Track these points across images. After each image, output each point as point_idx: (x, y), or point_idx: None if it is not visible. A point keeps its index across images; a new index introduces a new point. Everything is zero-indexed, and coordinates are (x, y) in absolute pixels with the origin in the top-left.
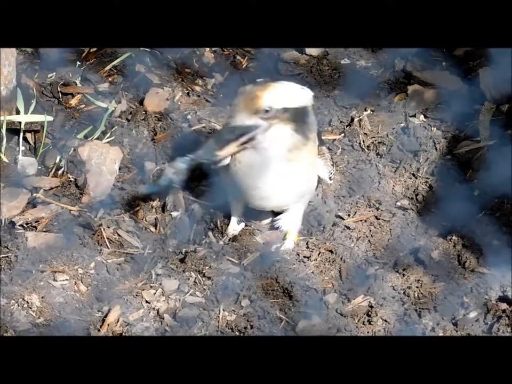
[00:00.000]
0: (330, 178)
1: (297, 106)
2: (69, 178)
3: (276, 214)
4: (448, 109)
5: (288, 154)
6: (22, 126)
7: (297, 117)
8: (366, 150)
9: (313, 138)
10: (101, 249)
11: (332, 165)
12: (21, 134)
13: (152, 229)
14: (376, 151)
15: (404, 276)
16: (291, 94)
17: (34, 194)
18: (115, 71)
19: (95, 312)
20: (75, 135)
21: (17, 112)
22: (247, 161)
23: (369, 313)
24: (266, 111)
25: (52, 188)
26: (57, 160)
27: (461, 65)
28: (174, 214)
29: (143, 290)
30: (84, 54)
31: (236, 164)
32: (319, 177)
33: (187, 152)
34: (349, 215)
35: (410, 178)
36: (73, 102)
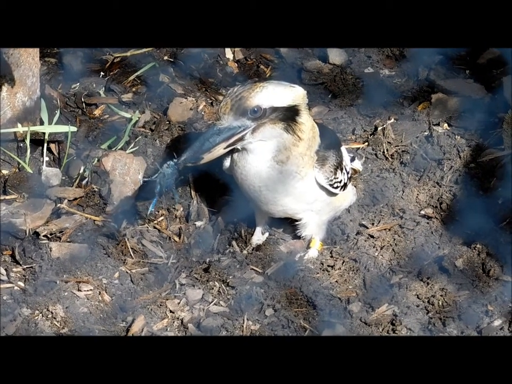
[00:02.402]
0: (331, 185)
1: (286, 105)
2: (93, 188)
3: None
4: (472, 117)
5: (277, 155)
6: (46, 137)
7: (287, 116)
8: (389, 158)
9: (306, 139)
10: (125, 259)
11: (333, 171)
12: (45, 145)
13: (176, 238)
14: (400, 159)
15: (428, 285)
16: (280, 92)
17: (58, 205)
18: (139, 81)
19: (119, 322)
20: (99, 145)
21: (41, 123)
22: (241, 163)
23: (394, 322)
24: (254, 111)
25: (76, 198)
26: (81, 171)
27: (484, 74)
28: (198, 223)
29: (167, 300)
30: (107, 65)
31: (235, 167)
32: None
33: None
34: (372, 224)
35: (434, 187)
36: (97, 112)
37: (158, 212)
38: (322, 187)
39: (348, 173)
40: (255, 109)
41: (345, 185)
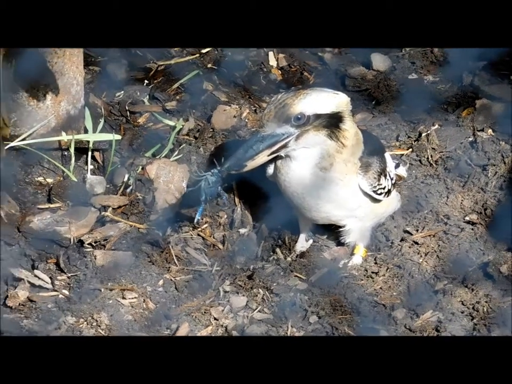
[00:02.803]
0: (375, 192)
1: (330, 112)
2: (137, 196)
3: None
4: None
5: (321, 162)
6: (90, 145)
7: (331, 123)
8: (434, 164)
9: (349, 145)
10: (169, 267)
11: (377, 177)
12: (89, 153)
13: (220, 246)
14: (444, 165)
15: (472, 291)
16: (323, 99)
17: (103, 213)
18: (182, 89)
19: (163, 330)
20: (143, 153)
21: (86, 131)
22: (284, 170)
23: (438, 328)
24: (298, 118)
25: (120, 206)
26: (125, 179)
27: None
28: (242, 231)
29: (211, 307)
30: (151, 73)
31: (279, 174)
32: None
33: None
34: (417, 230)
35: (479, 193)
36: (141, 120)
37: (202, 219)
38: (365, 193)
39: (391, 179)
40: (299, 116)
41: (389, 192)
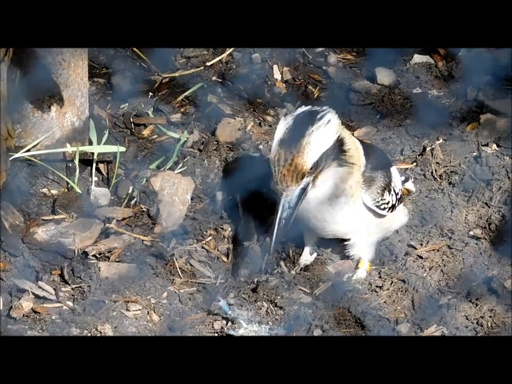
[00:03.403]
0: (378, 207)
1: (332, 143)
2: (142, 208)
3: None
4: None
5: (335, 191)
6: (95, 157)
7: (336, 152)
8: (438, 179)
9: (358, 163)
10: (173, 279)
11: (380, 192)
12: (94, 165)
13: (224, 258)
14: (448, 180)
15: (476, 306)
16: (323, 136)
17: (107, 225)
18: (187, 101)
19: None
20: (147, 165)
21: (90, 143)
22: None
23: None
24: (311, 168)
25: (124, 218)
26: (130, 191)
27: None
28: (246, 243)
29: (215, 320)
30: (156, 85)
31: None
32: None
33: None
34: (421, 245)
35: (483, 208)
36: (145, 132)
37: (207, 231)
38: (369, 209)
39: (397, 194)
40: (311, 167)
41: (393, 207)
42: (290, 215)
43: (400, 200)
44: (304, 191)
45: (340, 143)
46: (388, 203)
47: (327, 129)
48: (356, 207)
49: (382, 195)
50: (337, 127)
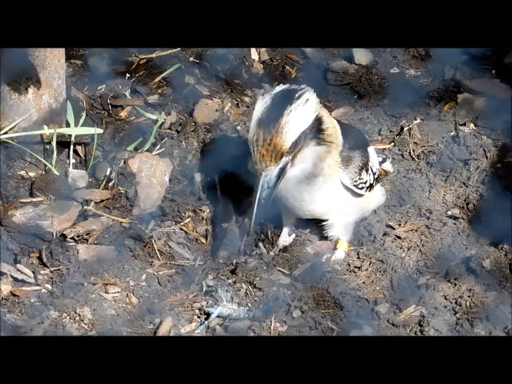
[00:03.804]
0: (356, 186)
1: (311, 122)
2: (120, 190)
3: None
4: (498, 117)
5: (314, 170)
6: (72, 139)
7: (314, 131)
8: (416, 159)
9: (336, 142)
10: (152, 261)
11: (358, 171)
12: (71, 147)
13: (203, 240)
14: (426, 160)
15: (455, 285)
16: (302, 115)
17: (85, 207)
18: (164, 82)
19: (146, 324)
20: (125, 147)
21: (67, 125)
22: None
23: (421, 323)
24: (289, 148)
25: (102, 201)
26: (108, 173)
27: (510, 74)
28: (225, 225)
29: (195, 302)
30: (133, 66)
31: None
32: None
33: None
34: (399, 225)
35: (461, 187)
36: (123, 114)
37: (185, 213)
38: (347, 188)
39: (374, 174)
40: (290, 146)
41: (371, 186)
42: (269, 194)
43: (377, 179)
44: (283, 170)
45: (318, 122)
46: (365, 182)
47: (306, 108)
48: (333, 186)
49: (360, 174)
50: (315, 106)
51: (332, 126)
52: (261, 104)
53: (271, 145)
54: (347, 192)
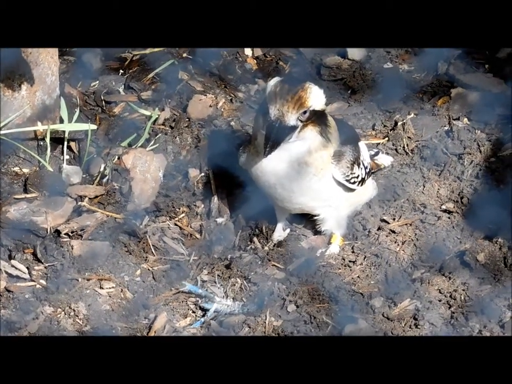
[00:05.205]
0: (348, 181)
1: (321, 108)
2: (114, 186)
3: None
4: (492, 111)
5: (306, 157)
6: (66, 135)
7: (321, 119)
8: (410, 153)
9: (334, 141)
10: (146, 257)
11: (350, 166)
12: (65, 143)
13: (198, 235)
14: (420, 154)
15: (450, 279)
16: (320, 96)
17: (79, 203)
18: (158, 78)
19: (141, 319)
20: (119, 143)
21: (61, 121)
22: (259, 159)
23: (416, 316)
24: (305, 112)
25: (96, 196)
26: (102, 169)
27: (504, 68)
28: (219, 220)
29: (189, 297)
30: (126, 62)
31: (252, 163)
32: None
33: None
34: (394, 219)
35: (455, 181)
36: (116, 110)
37: (179, 208)
38: (339, 183)
39: (365, 168)
40: (306, 111)
41: (363, 181)
42: (281, 139)
43: (369, 173)
44: (292, 130)
45: (325, 116)
46: (357, 177)
47: (321, 92)
48: (324, 180)
49: (352, 169)
50: (324, 100)
51: (333, 127)
52: (274, 82)
53: (296, 95)
54: (338, 186)
